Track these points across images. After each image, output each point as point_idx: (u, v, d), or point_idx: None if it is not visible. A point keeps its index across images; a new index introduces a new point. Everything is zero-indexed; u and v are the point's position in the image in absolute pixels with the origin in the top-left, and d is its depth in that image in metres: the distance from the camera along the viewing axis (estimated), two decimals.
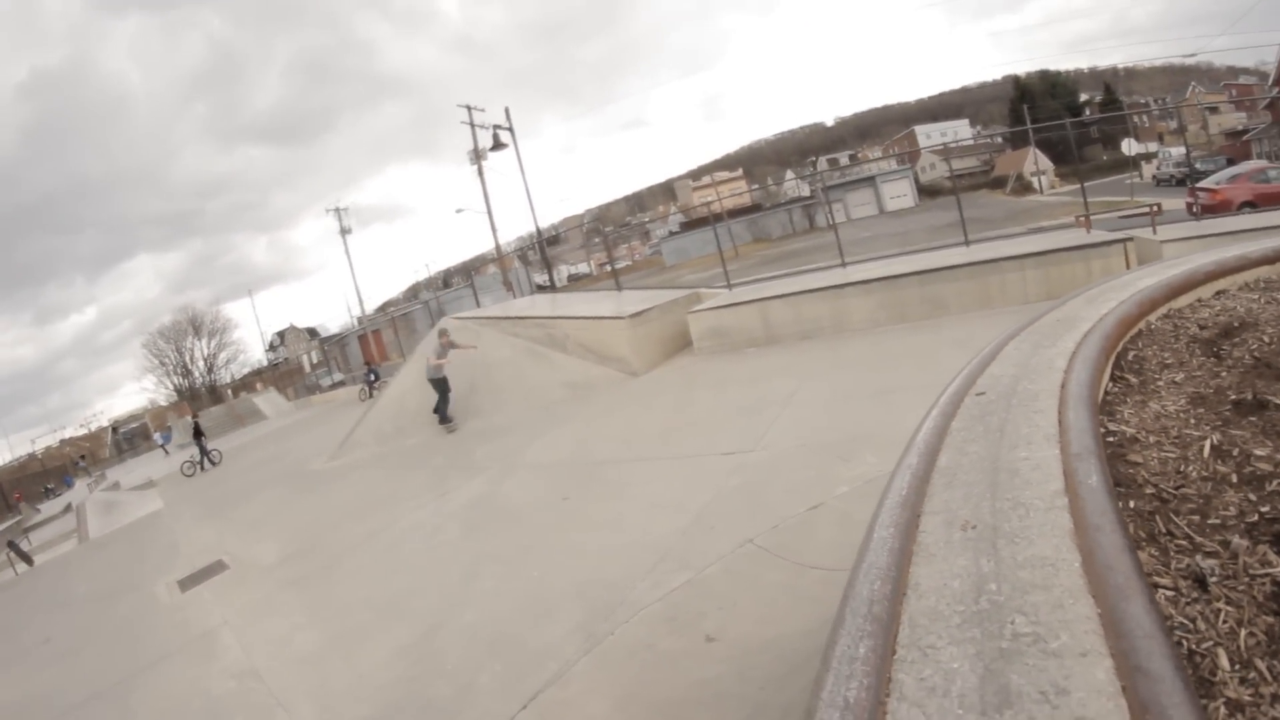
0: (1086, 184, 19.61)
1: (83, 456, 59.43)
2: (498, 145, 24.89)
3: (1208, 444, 1.97)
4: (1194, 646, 1.18)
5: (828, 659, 1.11)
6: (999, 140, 72.40)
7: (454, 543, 6.34)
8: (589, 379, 11.92)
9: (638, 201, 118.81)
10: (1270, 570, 1.33)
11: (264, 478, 14.30)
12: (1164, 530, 1.57)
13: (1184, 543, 1.51)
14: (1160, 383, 2.64)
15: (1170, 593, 1.33)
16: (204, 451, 20.25)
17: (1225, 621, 1.22)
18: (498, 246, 31.05)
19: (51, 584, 10.67)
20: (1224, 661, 1.13)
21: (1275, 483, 1.68)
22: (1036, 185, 49.60)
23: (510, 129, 25.40)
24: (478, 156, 28.75)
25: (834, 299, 11.40)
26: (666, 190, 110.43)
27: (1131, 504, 1.71)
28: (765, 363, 10.35)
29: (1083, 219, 11.95)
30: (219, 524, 10.60)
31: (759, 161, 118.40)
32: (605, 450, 8.00)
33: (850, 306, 11.22)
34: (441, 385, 12.15)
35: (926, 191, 59.66)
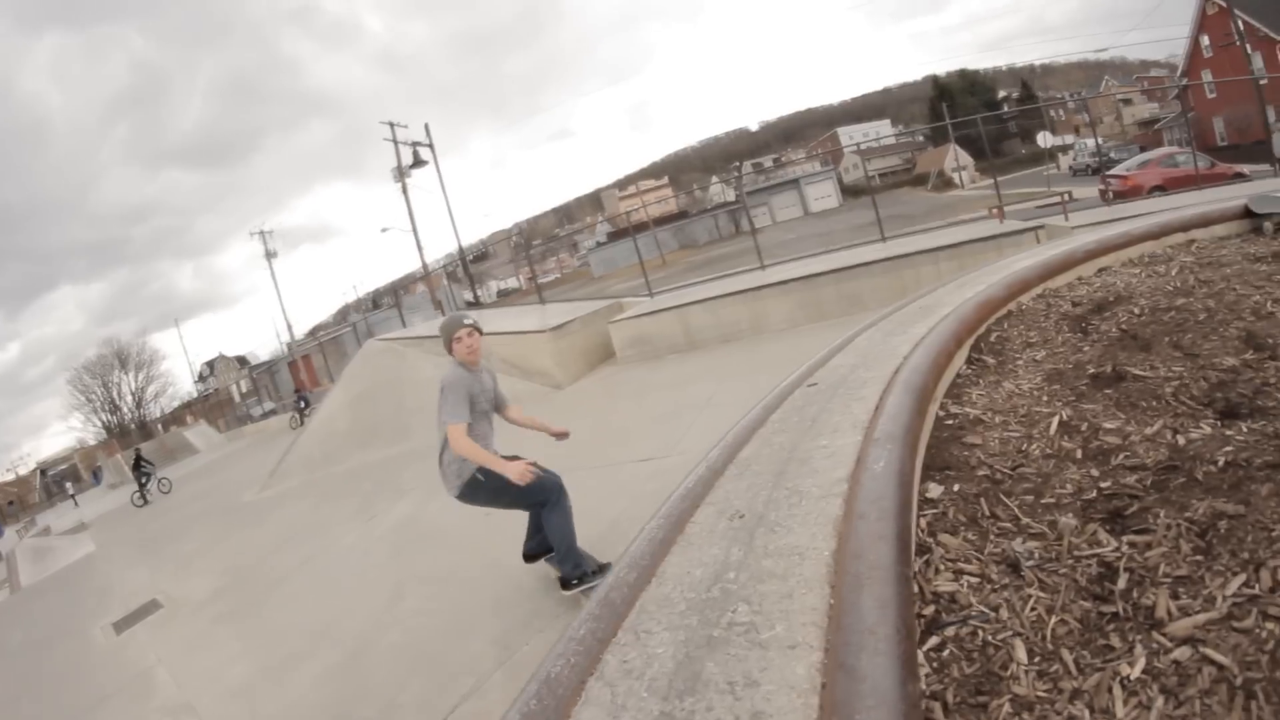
0: (1006, 177, 20.47)
1: (10, 502, 56.87)
2: (418, 162, 24.83)
3: (1055, 420, 1.98)
4: (989, 638, 1.13)
5: (558, 641, 1.18)
6: (920, 138, 74.49)
7: (382, 565, 6.44)
8: (514, 394, 11.72)
9: (566, 213, 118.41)
10: (1098, 550, 1.29)
11: (196, 513, 14.02)
12: (988, 513, 1.54)
13: (1008, 525, 1.48)
14: (1020, 362, 2.67)
15: (976, 579, 1.29)
16: (150, 481, 19.88)
17: (1034, 609, 1.18)
18: (424, 265, 30.86)
19: None
20: (1021, 654, 1.09)
21: (1121, 456, 1.66)
22: (957, 180, 51.18)
23: (430, 145, 25.38)
24: (401, 174, 28.59)
25: (752, 301, 11.63)
26: (594, 201, 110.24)
27: (956, 487, 1.69)
28: (686, 368, 10.57)
29: (995, 210, 12.46)
30: (152, 563, 10.43)
31: (685, 169, 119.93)
32: None
33: (769, 308, 11.46)
34: (497, 491, 4.48)
35: (850, 191, 60.72)
